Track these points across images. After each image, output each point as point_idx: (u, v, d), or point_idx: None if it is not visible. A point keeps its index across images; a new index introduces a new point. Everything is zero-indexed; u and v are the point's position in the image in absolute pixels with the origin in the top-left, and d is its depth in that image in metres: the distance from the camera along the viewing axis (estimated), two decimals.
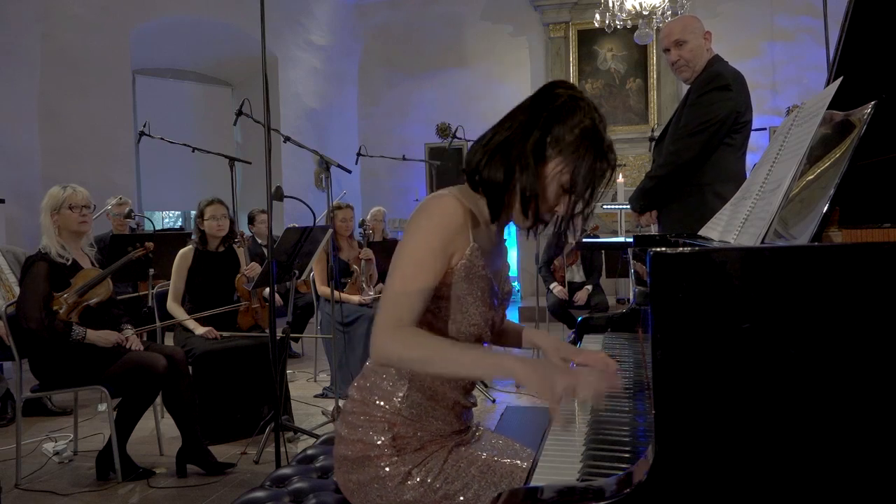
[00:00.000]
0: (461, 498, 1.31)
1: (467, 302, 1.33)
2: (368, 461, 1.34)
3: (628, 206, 3.27)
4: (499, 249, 1.45)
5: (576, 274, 5.80)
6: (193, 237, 3.87)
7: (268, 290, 3.40)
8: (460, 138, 5.30)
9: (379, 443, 1.33)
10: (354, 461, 1.35)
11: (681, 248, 0.89)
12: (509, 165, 1.29)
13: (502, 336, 1.58)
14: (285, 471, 1.73)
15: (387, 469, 1.32)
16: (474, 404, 1.47)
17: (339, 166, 3.84)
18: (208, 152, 4.24)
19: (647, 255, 0.89)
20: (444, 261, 1.28)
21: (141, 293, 4.53)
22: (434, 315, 1.33)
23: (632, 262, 1.90)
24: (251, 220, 6.40)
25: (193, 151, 4.23)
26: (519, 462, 1.39)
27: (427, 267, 1.25)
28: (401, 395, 1.35)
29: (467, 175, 1.35)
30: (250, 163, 4.54)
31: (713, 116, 2.82)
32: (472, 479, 1.32)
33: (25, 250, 4.20)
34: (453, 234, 1.28)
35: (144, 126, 4.33)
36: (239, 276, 3.81)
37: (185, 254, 3.75)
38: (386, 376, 1.37)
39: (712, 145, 2.85)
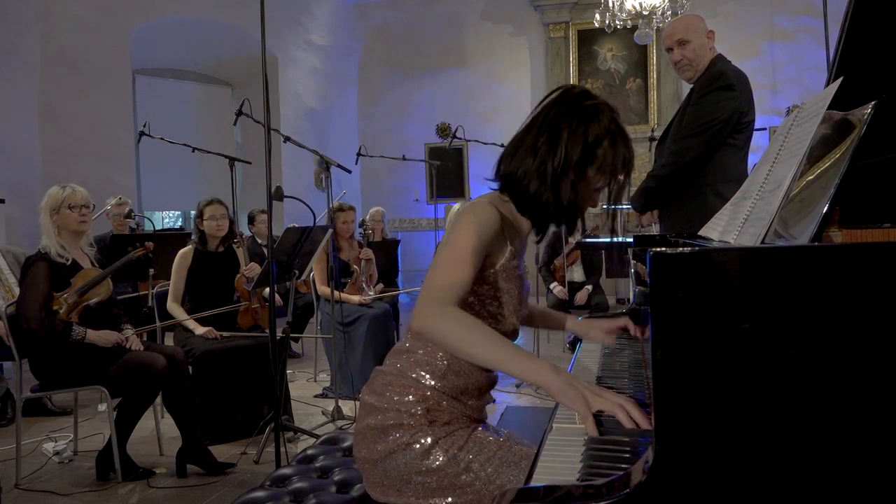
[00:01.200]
0: (481, 472, 1.34)
1: (504, 300, 1.43)
2: (399, 430, 1.38)
3: (629, 206, 3.26)
4: (524, 248, 1.56)
5: (576, 274, 5.81)
6: (193, 237, 3.87)
7: (268, 290, 3.40)
8: (460, 138, 5.30)
9: (413, 411, 1.38)
10: (383, 430, 1.39)
11: (681, 248, 0.89)
12: (555, 183, 1.37)
13: (547, 318, 1.78)
14: (285, 471, 1.74)
15: (420, 439, 1.36)
16: (494, 400, 1.56)
17: (339, 166, 3.84)
18: (208, 152, 4.24)
19: (647, 255, 0.89)
20: (482, 254, 1.36)
21: (141, 293, 4.53)
22: (474, 311, 1.42)
23: (632, 262, 1.90)
24: (251, 220, 6.40)
25: (193, 151, 4.23)
26: (530, 449, 1.42)
27: (468, 262, 1.31)
28: (439, 373, 1.41)
29: (508, 187, 1.44)
30: (250, 163, 4.54)
31: (716, 116, 2.80)
32: (492, 454, 1.36)
33: (25, 250, 4.20)
34: (492, 231, 1.38)
35: (144, 126, 4.33)
36: (239, 276, 3.81)
37: (184, 254, 3.75)
38: (424, 354, 1.43)
39: (715, 145, 2.83)
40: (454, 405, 1.42)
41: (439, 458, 1.35)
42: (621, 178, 1.39)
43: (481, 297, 1.43)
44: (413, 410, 1.38)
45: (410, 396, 1.40)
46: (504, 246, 1.43)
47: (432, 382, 1.41)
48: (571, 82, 9.05)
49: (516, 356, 1.22)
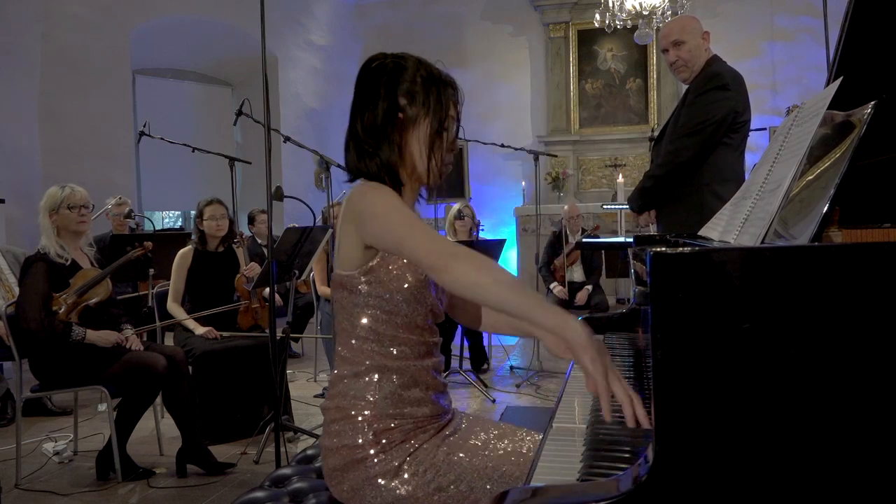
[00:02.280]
0: (454, 489, 1.30)
1: (410, 276, 1.35)
2: (356, 464, 1.33)
3: (628, 206, 3.27)
4: None
5: (576, 274, 5.81)
6: (193, 237, 3.87)
7: (268, 290, 3.40)
8: (460, 138, 5.28)
9: (361, 441, 1.33)
10: (343, 468, 1.35)
11: (681, 248, 0.89)
12: (378, 150, 1.36)
13: (498, 318, 1.61)
14: (285, 471, 1.73)
15: (376, 467, 1.31)
16: (446, 385, 1.47)
17: (339, 166, 3.83)
18: (208, 152, 4.24)
19: (647, 255, 0.89)
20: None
21: (141, 293, 4.53)
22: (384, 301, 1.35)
23: (632, 262, 1.90)
24: (251, 220, 6.40)
25: (193, 151, 4.23)
26: (520, 446, 1.38)
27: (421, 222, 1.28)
28: (372, 389, 1.35)
29: (357, 178, 1.41)
30: (250, 163, 4.54)
31: (711, 116, 2.82)
32: (464, 470, 1.31)
33: (25, 250, 4.20)
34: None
35: (144, 126, 4.33)
36: (239, 276, 3.81)
37: (184, 254, 3.75)
38: (353, 374, 1.37)
39: (710, 145, 2.85)
40: (402, 413, 1.36)
41: (407, 484, 1.30)
42: (446, 108, 1.37)
43: (384, 284, 1.34)
44: (360, 441, 1.33)
45: (354, 427, 1.34)
46: None
47: (370, 400, 1.34)
48: (571, 82, 9.08)
49: (545, 303, 1.16)
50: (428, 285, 1.38)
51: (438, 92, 1.36)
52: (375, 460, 1.32)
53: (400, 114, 1.35)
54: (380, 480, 1.31)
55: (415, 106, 1.35)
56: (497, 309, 1.28)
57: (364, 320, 1.37)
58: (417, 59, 1.39)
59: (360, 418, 1.34)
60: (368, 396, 1.35)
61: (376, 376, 1.36)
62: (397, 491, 1.30)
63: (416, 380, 1.38)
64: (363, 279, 1.35)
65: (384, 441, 1.33)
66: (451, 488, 1.30)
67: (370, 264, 1.35)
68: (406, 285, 1.35)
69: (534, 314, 1.13)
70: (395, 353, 1.37)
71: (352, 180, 1.42)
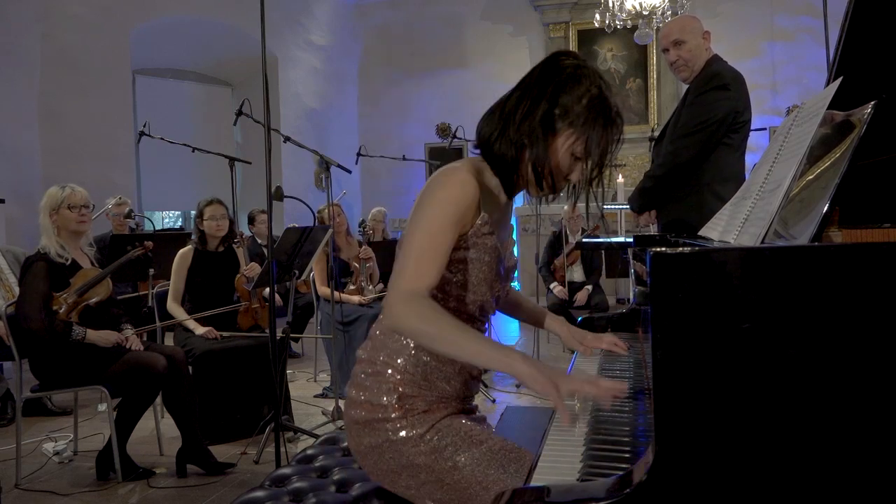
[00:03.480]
0: (469, 471, 1.31)
1: (474, 269, 1.37)
2: (377, 423, 1.35)
3: (628, 206, 3.27)
4: (506, 220, 1.50)
5: (576, 274, 5.80)
6: (193, 237, 3.87)
7: (268, 290, 3.40)
8: (460, 138, 5.31)
9: (384, 402, 1.35)
10: (365, 424, 1.37)
11: (681, 248, 0.89)
12: (519, 140, 1.33)
13: (518, 309, 1.70)
14: (285, 471, 1.73)
15: (400, 433, 1.33)
16: (480, 373, 1.49)
17: (339, 166, 3.84)
18: (208, 152, 4.24)
19: (647, 255, 0.89)
20: (456, 233, 1.31)
21: (141, 293, 4.53)
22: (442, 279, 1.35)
23: (632, 262, 1.90)
24: (251, 220, 6.40)
25: (193, 151, 4.23)
26: (526, 451, 1.39)
27: (441, 239, 1.28)
28: (407, 353, 1.37)
29: (480, 148, 1.40)
30: (250, 163, 4.53)
31: (711, 116, 2.82)
32: (482, 455, 1.33)
33: (25, 250, 4.20)
34: (465, 207, 1.31)
35: (144, 126, 4.33)
36: (238, 276, 3.81)
37: (184, 254, 3.75)
38: (394, 336, 1.39)
39: (711, 145, 2.85)
40: (430, 386, 1.37)
41: (426, 455, 1.32)
42: (601, 147, 1.31)
43: (448, 266, 1.35)
44: (384, 402, 1.35)
45: (381, 386, 1.36)
46: (477, 213, 1.35)
47: (401, 364, 1.36)
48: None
49: (488, 349, 1.19)
50: (488, 280, 1.40)
51: (596, 120, 1.30)
52: (398, 424, 1.34)
53: (555, 123, 1.31)
54: (400, 446, 1.33)
55: (566, 121, 1.30)
56: (445, 355, 1.32)
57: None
58: (599, 78, 1.33)
59: (388, 376, 1.37)
60: (400, 360, 1.37)
61: (411, 344, 1.37)
62: (416, 459, 1.32)
63: (455, 365, 1.40)
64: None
65: (407, 406, 1.35)
66: (465, 469, 1.31)
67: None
68: (476, 277, 1.37)
69: (479, 361, 1.22)
70: None
71: (476, 146, 1.41)
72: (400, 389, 1.35)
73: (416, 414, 1.35)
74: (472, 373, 1.45)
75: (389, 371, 1.37)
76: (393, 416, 1.34)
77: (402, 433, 1.33)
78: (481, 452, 1.33)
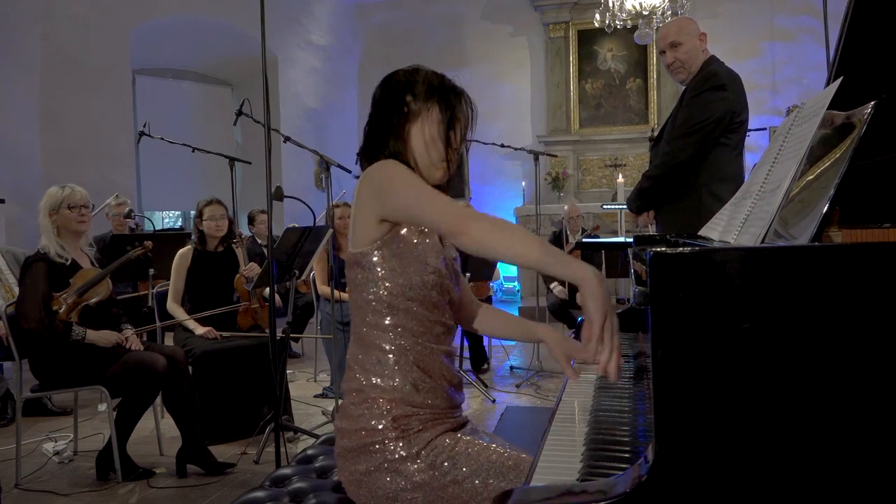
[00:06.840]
0: (469, 484, 1.31)
1: (425, 249, 1.40)
2: (373, 448, 1.35)
3: (626, 207, 3.28)
4: None
5: None
6: (193, 237, 3.87)
7: (267, 290, 3.40)
8: None
9: (381, 427, 1.35)
10: (359, 451, 1.36)
11: (681, 248, 0.89)
12: (386, 140, 1.45)
13: (505, 324, 1.63)
14: (285, 471, 1.73)
15: (398, 452, 1.33)
16: (461, 380, 1.50)
17: (339, 166, 3.84)
18: (208, 152, 4.24)
19: (647, 255, 0.89)
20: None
21: (141, 293, 4.53)
22: (393, 267, 1.39)
23: (632, 262, 1.90)
24: (251, 221, 6.39)
25: (193, 151, 4.23)
26: (524, 455, 1.39)
27: (429, 188, 1.36)
28: (390, 369, 1.38)
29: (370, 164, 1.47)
30: (250, 163, 4.54)
31: (708, 116, 2.83)
32: (480, 466, 1.33)
33: (25, 250, 4.20)
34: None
35: (144, 126, 4.33)
36: (238, 276, 3.81)
37: (184, 254, 3.75)
38: (373, 356, 1.39)
39: (708, 145, 2.85)
40: (420, 400, 1.38)
41: (423, 472, 1.32)
42: (451, 124, 1.43)
43: (400, 258, 1.38)
44: (380, 426, 1.35)
45: (374, 412, 1.36)
46: None
47: (389, 384, 1.37)
48: (571, 82, 9.08)
49: (563, 256, 1.21)
50: (439, 257, 1.41)
51: (443, 93, 1.45)
52: (392, 446, 1.34)
53: (405, 107, 1.44)
54: (398, 466, 1.33)
55: (418, 102, 1.44)
56: (517, 264, 1.33)
57: (380, 291, 1.39)
58: (429, 70, 1.51)
59: (379, 402, 1.37)
60: (386, 381, 1.38)
61: (391, 358, 1.38)
62: (414, 478, 1.32)
63: (431, 366, 1.40)
64: (377, 253, 1.39)
65: (403, 426, 1.35)
66: (465, 482, 1.31)
67: (384, 238, 1.39)
68: (417, 254, 1.39)
69: (552, 267, 1.19)
70: (411, 329, 1.39)
71: (363, 167, 1.48)
72: (394, 412, 1.36)
73: (412, 433, 1.35)
74: (453, 380, 1.45)
75: (378, 394, 1.37)
76: (390, 436, 1.34)
77: (402, 452, 1.33)
78: (479, 464, 1.33)
